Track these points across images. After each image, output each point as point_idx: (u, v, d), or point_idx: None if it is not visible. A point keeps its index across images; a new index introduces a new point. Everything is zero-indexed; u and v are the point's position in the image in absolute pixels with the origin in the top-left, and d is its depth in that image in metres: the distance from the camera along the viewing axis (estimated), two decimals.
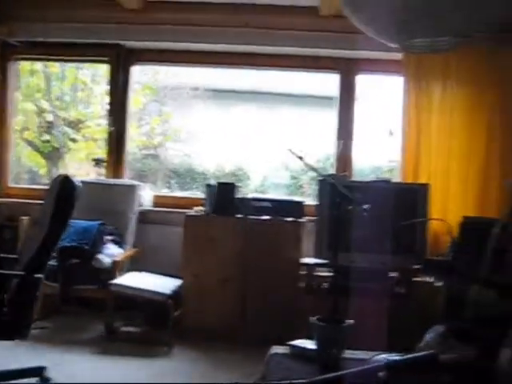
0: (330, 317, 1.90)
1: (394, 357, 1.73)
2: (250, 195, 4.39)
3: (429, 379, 1.50)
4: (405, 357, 1.69)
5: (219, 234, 4.10)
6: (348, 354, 1.90)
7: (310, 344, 1.95)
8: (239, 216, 4.13)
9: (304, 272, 4.09)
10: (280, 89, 7.29)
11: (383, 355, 1.79)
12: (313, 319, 1.87)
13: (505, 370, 1.12)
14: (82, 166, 6.72)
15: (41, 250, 2.70)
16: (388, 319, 3.55)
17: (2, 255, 2.96)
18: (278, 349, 2.12)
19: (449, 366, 1.21)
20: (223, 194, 4.14)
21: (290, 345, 2.06)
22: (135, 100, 5.89)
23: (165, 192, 6.15)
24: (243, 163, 8.15)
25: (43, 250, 2.71)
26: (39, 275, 2.64)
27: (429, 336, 1.78)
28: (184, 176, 8.24)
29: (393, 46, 2.50)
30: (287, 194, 6.85)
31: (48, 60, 5.60)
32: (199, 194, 5.49)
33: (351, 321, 1.89)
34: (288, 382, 1.48)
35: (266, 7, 4.63)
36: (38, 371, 2.97)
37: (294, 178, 8.06)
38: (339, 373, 1.59)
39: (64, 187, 2.75)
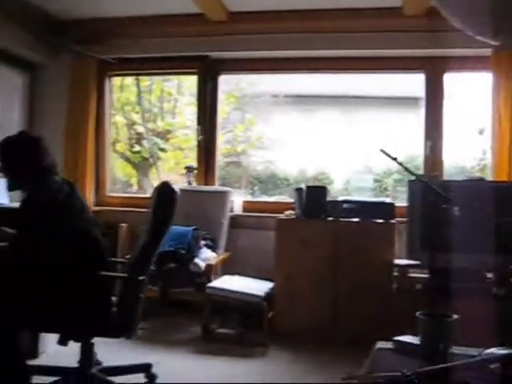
0: (435, 312, 1.92)
1: (505, 351, 1.73)
2: (339, 198, 4.41)
3: None
4: None
5: (310, 236, 4.16)
6: (454, 349, 1.90)
7: (414, 339, 1.97)
8: (330, 218, 4.18)
9: (396, 273, 4.08)
10: (363, 91, 7.28)
11: (493, 349, 1.79)
12: (419, 314, 1.89)
13: None
14: (170, 174, 6.99)
15: (143, 253, 2.83)
16: (487, 320, 3.48)
17: (112, 259, 3.12)
18: (382, 344, 2.16)
19: None
20: (313, 197, 4.20)
21: (394, 340, 2.10)
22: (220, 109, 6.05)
23: (254, 198, 6.28)
24: (325, 167, 8.18)
25: (145, 253, 2.83)
26: (142, 277, 2.76)
27: None
28: (266, 182, 8.37)
29: (492, 43, 2.46)
30: (371, 197, 6.82)
31: (140, 74, 5.87)
32: (285, 198, 5.58)
33: (456, 315, 1.90)
34: (399, 373, 1.52)
35: (348, 11, 4.64)
36: (145, 368, 3.11)
37: (377, 180, 8.00)
38: (449, 364, 1.61)
39: (164, 192, 2.84)
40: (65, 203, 2.68)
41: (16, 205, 3.35)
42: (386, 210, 4.12)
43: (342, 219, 4.14)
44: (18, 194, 4.19)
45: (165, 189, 2.86)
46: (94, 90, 5.13)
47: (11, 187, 2.87)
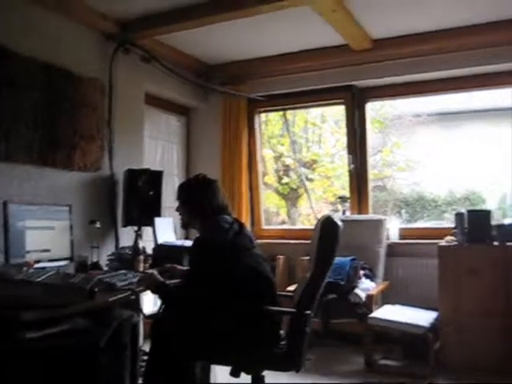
0: None
1: None
2: (506, 221, 4.17)
3: None
4: None
5: (476, 263, 3.97)
6: None
7: None
8: (495, 243, 3.97)
9: None
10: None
11: None
12: None
13: None
14: (319, 203, 7.05)
15: (308, 287, 2.86)
16: None
17: (279, 293, 3.18)
18: None
19: None
20: (476, 222, 4.02)
21: None
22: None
23: (411, 224, 6.16)
24: (476, 186, 7.77)
25: (310, 287, 2.86)
26: (308, 312, 2.77)
27: None
28: (414, 205, 8.13)
29: None
30: None
31: (287, 109, 6.03)
32: (442, 224, 5.39)
33: None
34: None
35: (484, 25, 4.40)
36: None
37: None
38: None
39: (326, 227, 2.85)
40: (234, 241, 2.82)
41: (181, 243, 3.61)
42: None
43: (509, 243, 3.91)
44: (183, 232, 4.47)
45: (328, 223, 2.87)
46: (245, 127, 5.35)
47: (185, 225, 3.10)
